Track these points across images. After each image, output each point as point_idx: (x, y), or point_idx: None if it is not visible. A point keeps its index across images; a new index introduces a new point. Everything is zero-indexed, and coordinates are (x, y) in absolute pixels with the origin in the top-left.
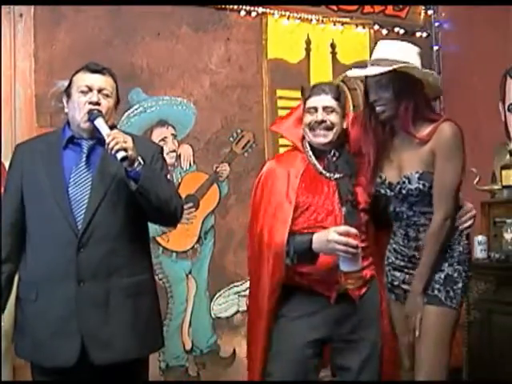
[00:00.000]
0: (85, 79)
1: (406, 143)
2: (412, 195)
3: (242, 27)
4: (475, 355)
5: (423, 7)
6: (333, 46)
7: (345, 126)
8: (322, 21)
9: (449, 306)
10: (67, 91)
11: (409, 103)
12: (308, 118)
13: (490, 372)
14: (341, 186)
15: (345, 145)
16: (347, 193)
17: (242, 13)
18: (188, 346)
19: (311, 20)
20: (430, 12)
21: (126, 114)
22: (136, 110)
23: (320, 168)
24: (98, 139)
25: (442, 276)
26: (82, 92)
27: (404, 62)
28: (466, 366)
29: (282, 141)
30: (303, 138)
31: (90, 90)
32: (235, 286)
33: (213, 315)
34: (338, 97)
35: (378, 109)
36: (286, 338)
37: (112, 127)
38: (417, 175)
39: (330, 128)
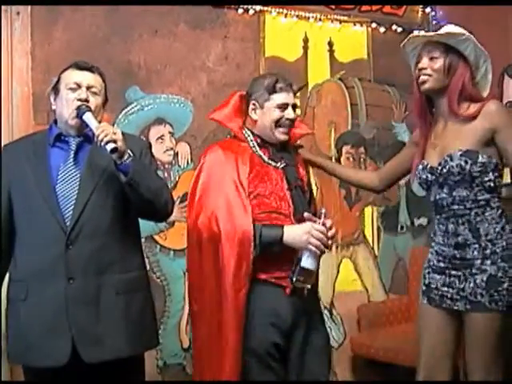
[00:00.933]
0: (74, 76)
1: (449, 126)
2: (453, 174)
3: (239, 25)
4: None
5: (421, 5)
6: (330, 44)
7: None
8: (320, 19)
9: (495, 310)
10: (55, 88)
11: (459, 79)
12: (277, 114)
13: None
14: (288, 173)
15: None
16: (295, 179)
17: (240, 11)
18: (186, 344)
19: (309, 18)
20: (427, 10)
21: (124, 112)
22: (133, 108)
23: (265, 158)
24: (85, 136)
25: (485, 278)
26: (71, 89)
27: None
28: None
29: None
30: (242, 127)
31: (79, 86)
32: None
33: None
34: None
35: (421, 78)
36: (254, 338)
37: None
38: (459, 153)
39: (293, 126)
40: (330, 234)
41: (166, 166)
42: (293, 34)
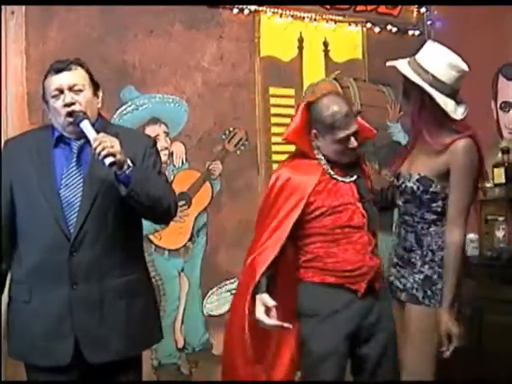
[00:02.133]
0: (53, 82)
1: (425, 145)
2: (406, 192)
3: (234, 25)
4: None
5: (416, 5)
6: (325, 44)
7: None
8: (315, 19)
9: (426, 304)
10: (44, 98)
11: (425, 113)
12: (340, 147)
13: (479, 370)
14: (359, 186)
15: None
16: (366, 192)
17: (235, 11)
18: (180, 344)
19: (304, 18)
20: (422, 10)
21: (118, 111)
22: (128, 107)
23: (334, 174)
24: (87, 139)
25: (422, 277)
26: (55, 96)
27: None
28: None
29: (274, 139)
30: (311, 145)
31: (61, 91)
32: (227, 284)
33: (205, 313)
34: (356, 114)
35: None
36: (319, 338)
37: (99, 116)
38: (417, 177)
39: (356, 149)
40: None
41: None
42: (288, 34)
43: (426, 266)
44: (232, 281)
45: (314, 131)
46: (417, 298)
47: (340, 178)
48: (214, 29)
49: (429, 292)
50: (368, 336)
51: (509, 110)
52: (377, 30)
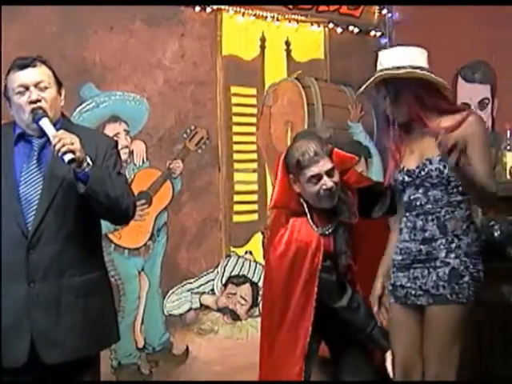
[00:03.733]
0: (18, 79)
1: (428, 133)
2: (431, 176)
3: (196, 23)
4: None
5: (377, 7)
6: (287, 43)
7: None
8: (277, 18)
9: (455, 301)
10: (6, 95)
11: (419, 103)
12: (313, 188)
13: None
14: (337, 238)
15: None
16: (343, 246)
17: (197, 9)
18: (140, 344)
19: (266, 17)
20: (384, 12)
21: (78, 109)
22: (88, 105)
23: (317, 229)
24: (48, 137)
25: (447, 271)
26: (19, 93)
27: (417, 67)
28: None
29: (235, 138)
30: (299, 200)
31: (27, 88)
32: (188, 283)
33: (165, 312)
34: (331, 154)
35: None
36: None
37: (62, 116)
38: (438, 158)
39: (335, 190)
40: None
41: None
42: (250, 33)
43: (452, 255)
44: (193, 280)
45: (291, 176)
46: (445, 297)
47: (319, 231)
48: (175, 26)
49: (456, 288)
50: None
51: None
52: (339, 30)
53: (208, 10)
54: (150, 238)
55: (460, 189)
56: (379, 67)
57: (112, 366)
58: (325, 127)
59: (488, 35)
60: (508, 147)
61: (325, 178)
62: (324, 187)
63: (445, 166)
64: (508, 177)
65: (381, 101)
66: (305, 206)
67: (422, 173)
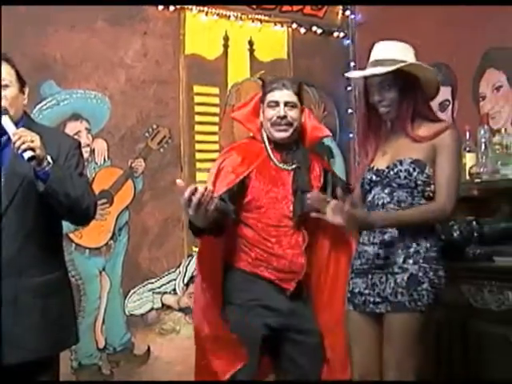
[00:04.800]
0: None
1: (403, 137)
2: (399, 177)
3: (159, 21)
4: None
5: (341, 8)
6: (251, 43)
7: (302, 120)
8: (241, 18)
9: (414, 309)
10: None
11: (410, 103)
12: (270, 113)
13: None
14: (297, 175)
15: (300, 138)
16: (301, 182)
17: (160, 7)
18: (101, 344)
19: (229, 17)
20: (347, 12)
21: (38, 106)
22: (48, 102)
23: (276, 160)
24: (9, 136)
25: (405, 277)
26: None
27: (405, 61)
28: None
29: (198, 137)
30: (261, 128)
31: None
32: (150, 283)
33: (127, 312)
34: (299, 92)
35: (382, 109)
36: (246, 322)
37: (24, 114)
38: (409, 160)
39: (290, 123)
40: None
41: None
42: (213, 33)
43: (410, 261)
44: (154, 280)
45: (261, 105)
46: (403, 304)
47: (281, 166)
48: (138, 25)
49: (415, 295)
50: (293, 338)
51: None
52: (302, 30)
53: (171, 8)
54: (111, 238)
55: (425, 194)
56: (379, 56)
57: (72, 367)
58: None
59: (449, 37)
60: (467, 148)
61: (282, 106)
62: (278, 114)
63: (414, 169)
64: (468, 177)
65: (371, 88)
66: (266, 141)
67: (391, 173)
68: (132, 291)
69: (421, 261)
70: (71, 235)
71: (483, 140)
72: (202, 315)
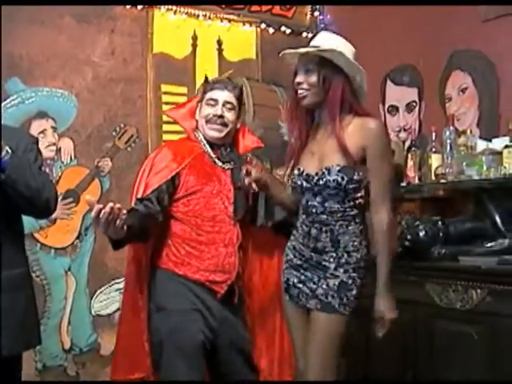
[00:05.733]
0: None
1: (330, 136)
2: (329, 187)
3: (127, 19)
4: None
5: (309, 8)
6: (219, 42)
7: (237, 127)
8: (209, 17)
9: (341, 313)
10: None
11: (336, 91)
12: (207, 110)
13: (364, 366)
14: (235, 174)
15: (233, 144)
16: (239, 180)
17: (128, 5)
18: (67, 345)
19: (198, 16)
20: (316, 13)
21: (2, 104)
22: (13, 100)
23: (214, 157)
24: None
25: (337, 282)
26: None
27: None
28: None
29: (165, 136)
30: (196, 128)
31: None
32: (116, 283)
33: (93, 313)
34: (240, 97)
35: (299, 92)
36: (176, 331)
37: None
38: (337, 168)
39: (225, 124)
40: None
41: (48, 161)
42: (181, 31)
43: (341, 270)
44: (121, 280)
45: (199, 105)
46: (332, 306)
47: (219, 163)
48: (105, 23)
49: (345, 299)
50: (226, 345)
51: (395, 114)
52: (271, 30)
53: (139, 6)
54: (77, 238)
55: (356, 202)
56: (314, 43)
57: (36, 368)
58: (256, 127)
59: (415, 39)
60: (433, 149)
61: (220, 105)
62: (214, 112)
63: (343, 178)
64: (433, 178)
65: (297, 72)
66: (203, 139)
67: (321, 182)
68: (99, 291)
69: (350, 270)
70: (36, 235)
71: (449, 141)
72: (126, 319)
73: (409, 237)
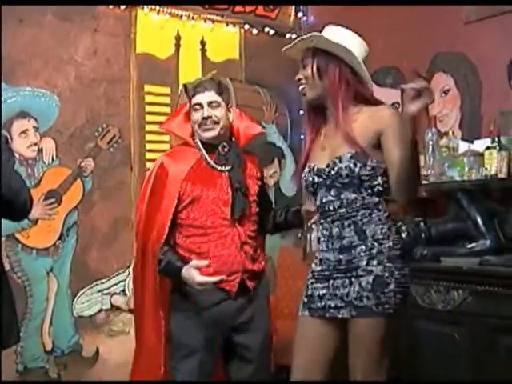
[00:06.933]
0: None
1: (337, 128)
2: (341, 176)
3: (110, 19)
4: None
5: (293, 10)
6: (203, 43)
7: (231, 120)
8: (193, 17)
9: (382, 313)
10: None
11: (332, 79)
12: (195, 116)
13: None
14: (232, 176)
15: (232, 138)
16: (237, 182)
17: (111, 4)
18: (48, 347)
19: (181, 16)
20: (299, 14)
21: None
22: None
23: (211, 161)
24: None
25: (371, 279)
26: None
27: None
28: None
29: (148, 137)
30: (193, 133)
31: None
32: (98, 284)
33: (75, 314)
34: (221, 92)
35: (300, 89)
36: (190, 331)
37: None
38: (349, 155)
39: (216, 122)
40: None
41: (30, 161)
42: (165, 32)
43: (374, 262)
44: (103, 281)
45: (188, 109)
46: (370, 308)
47: (216, 166)
48: (88, 22)
49: (382, 298)
50: (242, 335)
51: None
52: (254, 31)
53: (122, 6)
54: (59, 238)
55: (375, 189)
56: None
57: (17, 370)
58: None
59: (398, 41)
60: None
61: (206, 107)
62: (202, 115)
63: (355, 164)
64: None
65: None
66: (200, 144)
67: (332, 172)
68: (80, 292)
69: (385, 260)
70: (18, 235)
71: (431, 142)
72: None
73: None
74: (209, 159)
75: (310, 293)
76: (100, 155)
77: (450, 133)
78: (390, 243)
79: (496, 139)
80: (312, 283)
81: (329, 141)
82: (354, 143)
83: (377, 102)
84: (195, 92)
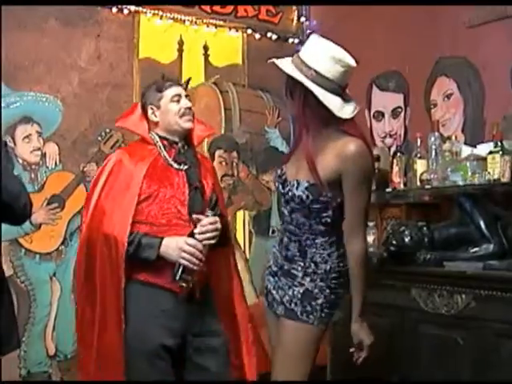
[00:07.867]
0: None
1: (315, 144)
2: (293, 201)
3: (113, 24)
4: (339, 354)
5: (296, 14)
6: (205, 47)
7: None
8: (196, 22)
9: (305, 321)
10: None
11: (296, 105)
12: (176, 106)
13: (352, 370)
14: (189, 175)
15: (189, 139)
16: (195, 180)
17: (114, 10)
18: (52, 352)
19: (184, 21)
20: (302, 19)
21: None
22: None
23: (169, 159)
24: None
25: (301, 290)
26: None
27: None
28: (330, 364)
29: None
30: (149, 130)
31: None
32: None
33: None
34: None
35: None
36: (141, 339)
37: None
38: (306, 184)
39: (193, 115)
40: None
41: (33, 166)
42: (168, 36)
43: (308, 279)
44: None
45: (150, 107)
46: (295, 313)
47: (174, 165)
48: (91, 27)
49: (308, 307)
50: (201, 343)
51: (381, 119)
52: (257, 36)
53: (125, 11)
54: (62, 243)
55: (323, 220)
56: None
57: (21, 375)
58: (242, 132)
59: (401, 46)
60: (419, 155)
61: (184, 99)
62: (185, 106)
63: (308, 197)
64: (418, 183)
65: None
66: (158, 141)
67: (290, 194)
68: None
69: (318, 280)
70: (21, 240)
71: (434, 147)
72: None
73: (394, 242)
74: (167, 157)
75: (265, 284)
76: (103, 160)
77: (453, 137)
78: (328, 267)
79: (499, 143)
80: (267, 275)
81: (298, 157)
82: (313, 173)
83: (347, 130)
84: (170, 85)
